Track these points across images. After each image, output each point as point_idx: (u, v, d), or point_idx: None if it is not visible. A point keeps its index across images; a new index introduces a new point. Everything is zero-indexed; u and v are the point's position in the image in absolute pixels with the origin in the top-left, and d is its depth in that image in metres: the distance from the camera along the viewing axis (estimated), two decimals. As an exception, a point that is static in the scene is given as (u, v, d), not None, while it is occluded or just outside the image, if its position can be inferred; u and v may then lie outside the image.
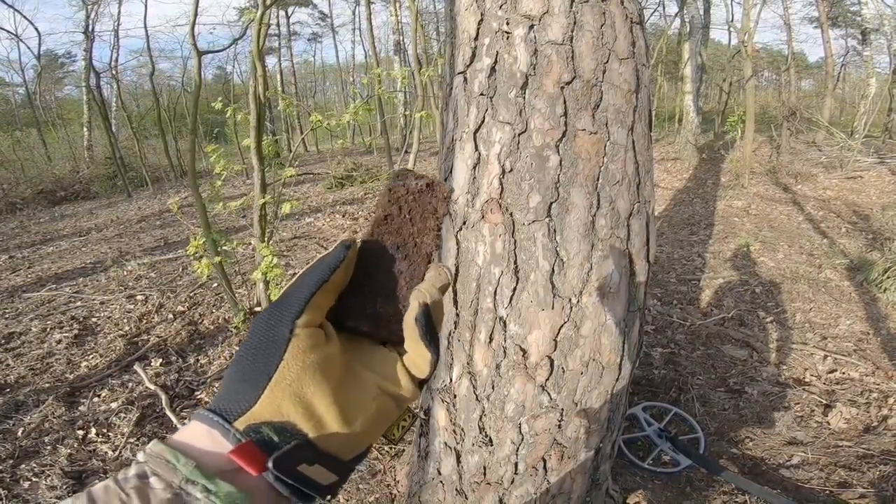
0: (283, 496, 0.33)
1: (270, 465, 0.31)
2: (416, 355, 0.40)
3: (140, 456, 0.31)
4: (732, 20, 13.75)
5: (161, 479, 0.30)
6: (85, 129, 13.56)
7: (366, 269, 0.43)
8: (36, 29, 18.24)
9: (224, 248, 2.76)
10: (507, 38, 1.10)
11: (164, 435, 0.32)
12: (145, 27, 13.63)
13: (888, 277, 3.52)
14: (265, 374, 0.34)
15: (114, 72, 13.90)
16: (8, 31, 12.92)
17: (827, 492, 1.89)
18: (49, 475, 2.11)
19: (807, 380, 2.64)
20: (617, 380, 1.26)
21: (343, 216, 6.66)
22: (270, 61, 18.30)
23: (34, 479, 2.09)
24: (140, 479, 0.30)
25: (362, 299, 0.42)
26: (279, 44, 18.53)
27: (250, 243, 3.33)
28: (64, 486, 2.05)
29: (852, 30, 14.97)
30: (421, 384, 0.42)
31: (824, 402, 2.42)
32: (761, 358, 2.84)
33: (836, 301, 3.50)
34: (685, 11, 10.31)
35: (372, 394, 0.38)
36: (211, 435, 0.32)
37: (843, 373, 2.66)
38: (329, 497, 0.36)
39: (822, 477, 1.96)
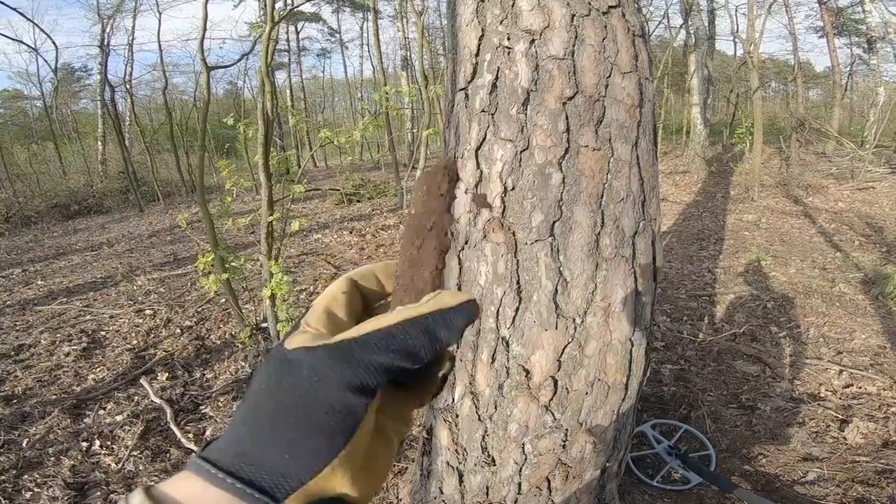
0: None
1: None
2: (423, 390, 0.37)
3: None
4: (737, 31, 13.78)
5: None
6: (99, 142, 13.81)
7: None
8: (53, 42, 18.69)
9: (232, 264, 2.77)
10: (508, 53, 1.10)
11: (150, 483, 0.26)
12: (158, 42, 14.01)
13: (904, 291, 3.45)
14: (333, 446, 0.28)
15: (128, 85, 14.20)
16: (27, 45, 13.22)
17: (844, 510, 1.83)
18: (51, 486, 2.11)
19: (822, 395, 2.57)
20: (623, 399, 1.23)
21: (351, 233, 6.67)
22: (280, 76, 18.60)
23: (36, 490, 2.09)
24: None
25: None
26: (289, 59, 18.83)
27: (258, 259, 3.36)
28: (66, 498, 2.05)
29: (857, 38, 14.87)
30: None
31: (840, 417, 2.36)
32: (774, 373, 2.78)
33: (851, 315, 3.43)
34: (690, 23, 10.35)
35: (394, 442, 0.35)
36: None
37: (860, 387, 2.59)
38: None
39: (839, 493, 1.91)
